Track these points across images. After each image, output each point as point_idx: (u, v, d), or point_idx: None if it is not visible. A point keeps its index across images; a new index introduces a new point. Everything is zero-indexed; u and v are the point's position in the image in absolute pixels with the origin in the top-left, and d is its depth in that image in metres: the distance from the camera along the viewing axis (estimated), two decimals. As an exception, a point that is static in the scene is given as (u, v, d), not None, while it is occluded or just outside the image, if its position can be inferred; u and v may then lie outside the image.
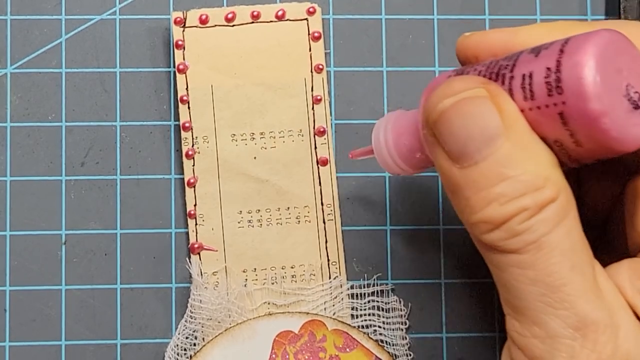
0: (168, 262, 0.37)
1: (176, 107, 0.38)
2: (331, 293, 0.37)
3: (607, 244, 0.29)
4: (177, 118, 0.38)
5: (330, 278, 0.37)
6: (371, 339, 0.37)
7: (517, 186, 0.25)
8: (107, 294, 0.37)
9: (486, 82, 0.26)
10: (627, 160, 0.28)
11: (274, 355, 0.36)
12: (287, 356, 0.36)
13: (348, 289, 0.37)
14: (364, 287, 0.37)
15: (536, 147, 0.25)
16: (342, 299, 0.37)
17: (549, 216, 0.25)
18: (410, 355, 0.37)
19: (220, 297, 0.36)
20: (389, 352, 0.37)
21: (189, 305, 0.36)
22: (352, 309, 0.37)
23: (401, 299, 0.37)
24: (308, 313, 0.37)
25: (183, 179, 0.37)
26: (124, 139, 0.38)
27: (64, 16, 0.38)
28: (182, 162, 0.37)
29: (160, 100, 0.38)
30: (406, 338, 0.37)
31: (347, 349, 0.36)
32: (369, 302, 0.37)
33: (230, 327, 0.36)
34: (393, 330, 0.37)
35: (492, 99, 0.25)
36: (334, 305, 0.37)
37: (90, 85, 0.38)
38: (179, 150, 0.38)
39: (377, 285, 0.37)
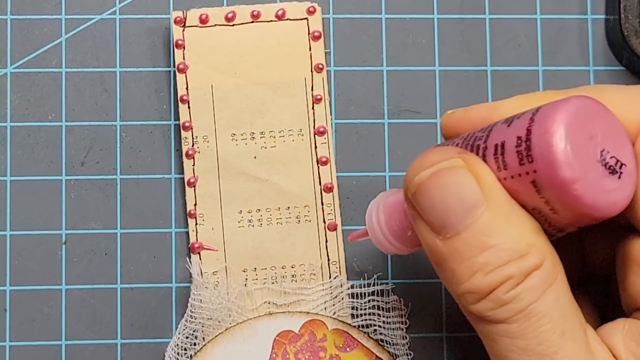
0: (168, 262, 0.37)
1: (176, 107, 0.38)
2: (331, 292, 0.37)
3: (613, 299, 0.29)
4: (177, 118, 0.38)
5: (330, 277, 0.37)
6: (371, 338, 0.37)
7: (501, 254, 0.25)
8: (107, 294, 0.37)
9: (462, 152, 0.26)
10: (620, 220, 0.27)
11: (274, 355, 0.36)
12: (288, 356, 0.36)
13: (348, 288, 0.37)
14: (364, 287, 0.37)
15: (517, 214, 0.25)
16: (342, 298, 0.37)
17: (535, 283, 0.25)
18: (410, 354, 0.37)
19: (220, 296, 0.36)
20: (389, 352, 0.37)
21: (189, 304, 0.36)
22: (352, 308, 0.37)
23: (401, 299, 0.37)
24: (308, 313, 0.37)
25: (183, 178, 0.37)
26: (124, 139, 0.38)
27: (64, 16, 0.38)
28: (182, 162, 0.37)
29: (161, 99, 0.38)
30: (406, 337, 0.37)
31: (348, 349, 0.36)
32: (369, 301, 0.37)
33: (231, 327, 0.36)
34: (393, 329, 0.37)
35: (469, 168, 0.25)
36: (334, 305, 0.37)
37: (90, 84, 0.38)
38: (179, 149, 0.38)
39: (377, 285, 0.37)
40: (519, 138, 0.24)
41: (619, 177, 0.24)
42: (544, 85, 0.39)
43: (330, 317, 0.37)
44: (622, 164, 0.25)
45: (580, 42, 0.39)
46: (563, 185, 0.24)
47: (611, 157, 0.24)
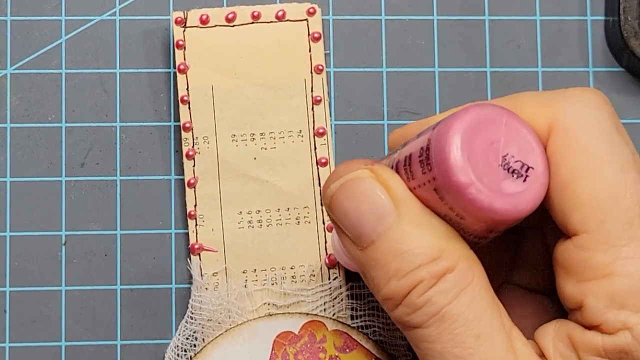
0: (168, 263, 0.37)
1: (176, 108, 0.38)
2: (331, 294, 0.37)
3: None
4: (177, 119, 0.38)
5: (330, 279, 0.37)
6: (371, 339, 0.37)
7: (412, 259, 0.25)
8: (107, 295, 0.37)
9: (370, 163, 0.27)
10: (546, 223, 0.28)
11: (274, 356, 0.36)
12: (288, 357, 0.36)
13: (348, 289, 0.37)
14: (364, 288, 0.37)
15: (429, 220, 0.26)
16: (342, 299, 0.37)
17: (447, 287, 0.25)
18: (409, 355, 0.37)
19: (220, 297, 0.36)
20: (388, 353, 0.37)
21: (189, 306, 0.36)
22: (352, 309, 0.37)
23: None
24: (308, 314, 0.37)
25: (183, 179, 0.37)
26: (124, 140, 0.38)
27: (64, 17, 0.38)
28: (182, 163, 0.37)
29: (160, 100, 0.38)
30: (405, 339, 0.37)
31: (347, 350, 0.36)
32: (368, 302, 0.37)
33: (231, 328, 0.36)
34: (392, 330, 0.37)
35: (377, 178, 0.26)
36: (333, 306, 0.37)
37: (90, 86, 0.38)
38: (178, 150, 0.38)
39: None
40: (421, 148, 0.25)
41: (524, 180, 0.25)
42: (544, 87, 0.39)
43: (330, 318, 0.37)
44: (528, 167, 0.25)
45: (579, 44, 0.39)
46: (458, 189, 0.24)
47: (516, 162, 0.25)
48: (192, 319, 0.36)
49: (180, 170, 0.38)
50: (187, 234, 0.37)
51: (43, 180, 0.38)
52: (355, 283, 0.37)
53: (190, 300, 0.36)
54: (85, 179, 0.38)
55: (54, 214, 0.37)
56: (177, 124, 0.38)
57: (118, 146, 0.38)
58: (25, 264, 0.37)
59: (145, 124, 0.38)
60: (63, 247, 0.37)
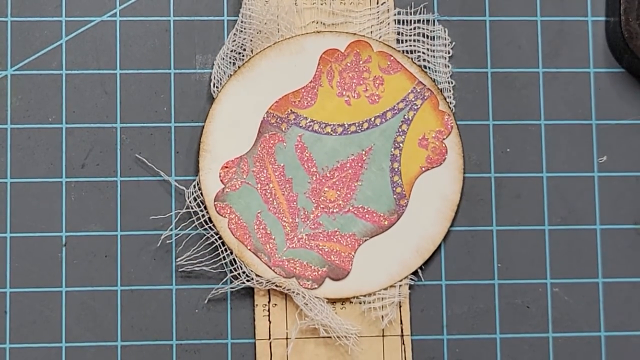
0: (168, 264, 0.37)
1: (176, 109, 0.38)
2: (378, 17, 0.38)
3: None
4: (177, 120, 0.38)
5: (378, 3, 0.38)
6: (415, 63, 0.38)
7: None
8: (108, 296, 0.37)
9: None
10: None
11: (319, 72, 0.37)
12: (333, 73, 0.37)
13: (395, 14, 0.38)
14: (411, 14, 0.38)
15: None
16: (389, 23, 0.38)
17: None
18: (451, 82, 0.38)
19: (270, 11, 0.37)
20: (431, 78, 0.38)
21: (240, 16, 0.37)
22: (398, 34, 0.38)
23: (446, 29, 0.39)
24: (355, 34, 0.38)
25: (183, 179, 0.37)
26: (124, 141, 0.38)
27: (65, 18, 0.38)
28: (182, 163, 0.37)
29: (161, 101, 0.38)
30: (449, 66, 0.38)
31: (391, 72, 0.37)
32: (414, 28, 0.38)
33: (279, 41, 0.37)
34: (436, 57, 0.38)
35: None
36: (380, 29, 0.38)
37: (90, 86, 0.38)
38: (178, 151, 0.38)
39: (423, 14, 0.38)
40: None
41: None
42: (545, 87, 0.39)
43: (376, 40, 0.38)
44: None
45: (580, 44, 0.39)
46: None
47: None
48: (241, 30, 0.37)
49: (181, 171, 0.38)
50: (187, 234, 0.37)
51: (43, 181, 0.38)
52: (403, 10, 0.38)
53: (241, 9, 0.37)
54: (86, 180, 0.38)
55: (55, 215, 0.37)
56: (177, 124, 0.38)
57: (118, 147, 0.38)
58: (26, 265, 0.37)
59: (145, 125, 0.38)
60: (63, 248, 0.37)
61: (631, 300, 0.38)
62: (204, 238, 0.38)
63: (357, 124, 0.37)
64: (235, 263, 0.37)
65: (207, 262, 0.37)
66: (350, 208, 0.37)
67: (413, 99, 0.37)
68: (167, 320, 0.37)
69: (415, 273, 0.38)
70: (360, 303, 0.37)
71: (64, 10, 0.38)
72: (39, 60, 0.38)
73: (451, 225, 0.38)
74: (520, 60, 0.39)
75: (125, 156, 0.38)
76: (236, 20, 0.38)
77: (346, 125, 0.37)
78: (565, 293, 0.38)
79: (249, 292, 0.38)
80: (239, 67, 0.37)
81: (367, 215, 0.37)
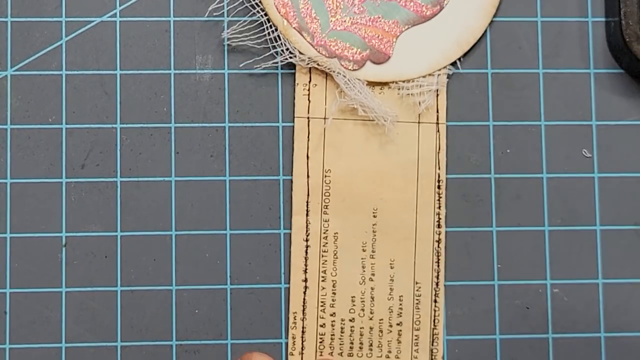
0: (168, 265, 0.37)
1: (176, 109, 0.38)
2: None
3: None
4: (177, 120, 0.38)
5: None
6: None
7: None
8: (108, 296, 0.37)
9: None
10: None
11: None
12: None
13: None
14: None
15: None
16: None
17: None
18: None
19: None
20: None
21: None
22: None
23: None
24: None
25: (183, 179, 0.37)
26: (124, 141, 0.38)
27: (65, 18, 0.38)
28: (182, 163, 0.37)
29: (161, 102, 0.38)
30: None
31: None
32: None
33: None
34: None
35: None
36: None
37: (90, 87, 0.38)
38: (179, 152, 0.38)
39: None
40: None
41: None
42: (545, 88, 0.39)
43: None
44: None
45: (580, 45, 0.39)
46: None
47: None
48: None
49: (181, 171, 0.38)
50: (187, 235, 0.37)
51: (43, 182, 0.38)
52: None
53: None
54: (86, 181, 0.38)
55: (54, 216, 0.37)
56: (177, 125, 0.38)
57: (118, 147, 0.38)
58: (26, 266, 0.37)
59: (145, 125, 0.38)
60: (63, 249, 0.37)
61: (631, 301, 0.38)
62: (250, 14, 0.38)
63: None
64: (280, 39, 0.38)
65: (252, 37, 0.38)
66: None
67: None
68: (167, 320, 0.37)
69: (454, 64, 0.38)
70: (398, 89, 0.38)
71: (64, 11, 0.38)
72: (39, 60, 0.38)
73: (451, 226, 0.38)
74: (521, 61, 0.39)
75: (125, 156, 0.38)
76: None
77: None
78: (565, 294, 0.38)
79: (291, 72, 0.38)
80: None
81: (410, 4, 0.38)
